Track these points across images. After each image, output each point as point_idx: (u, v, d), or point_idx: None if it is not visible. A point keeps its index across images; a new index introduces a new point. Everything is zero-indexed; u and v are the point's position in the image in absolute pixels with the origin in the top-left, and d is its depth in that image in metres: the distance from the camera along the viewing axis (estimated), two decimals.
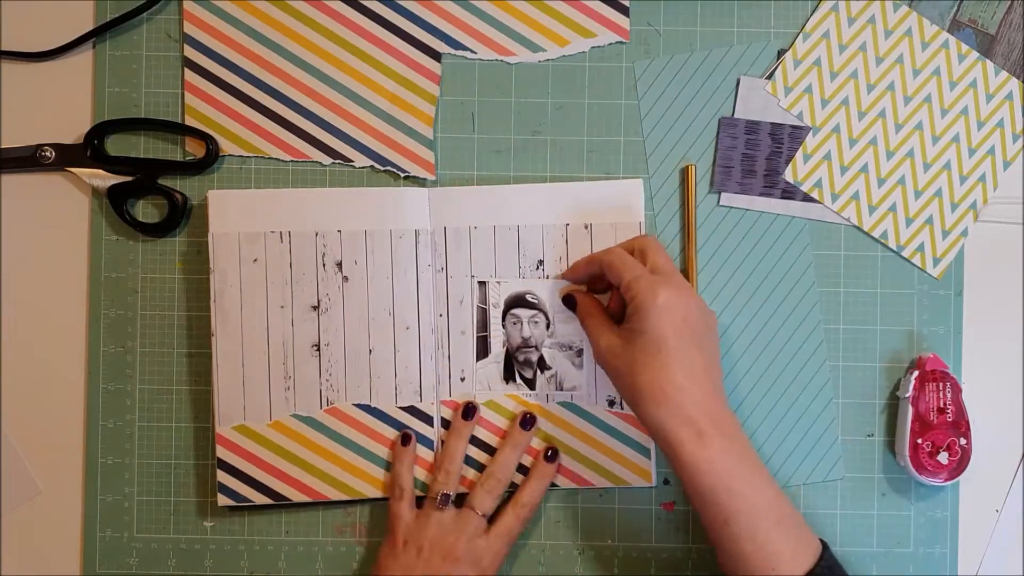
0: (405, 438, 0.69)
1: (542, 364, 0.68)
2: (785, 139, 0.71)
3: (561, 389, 0.68)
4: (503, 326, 0.67)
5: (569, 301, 0.67)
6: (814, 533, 0.60)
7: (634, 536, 0.71)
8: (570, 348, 0.67)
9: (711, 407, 0.58)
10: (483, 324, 0.66)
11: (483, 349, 0.67)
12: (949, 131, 0.71)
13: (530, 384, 0.68)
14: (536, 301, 0.66)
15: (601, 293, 0.68)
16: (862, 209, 0.71)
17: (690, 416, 0.58)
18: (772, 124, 0.71)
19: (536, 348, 0.67)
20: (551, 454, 0.69)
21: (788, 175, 0.71)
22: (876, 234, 0.71)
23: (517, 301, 0.66)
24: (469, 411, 0.69)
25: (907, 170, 0.71)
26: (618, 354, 0.61)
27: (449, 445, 0.69)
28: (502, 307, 0.66)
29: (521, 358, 0.68)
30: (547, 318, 0.67)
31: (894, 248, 0.71)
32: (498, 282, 0.65)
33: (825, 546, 0.59)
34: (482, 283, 0.65)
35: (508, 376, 0.68)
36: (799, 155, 0.70)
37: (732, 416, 0.60)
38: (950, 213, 0.71)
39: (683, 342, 0.59)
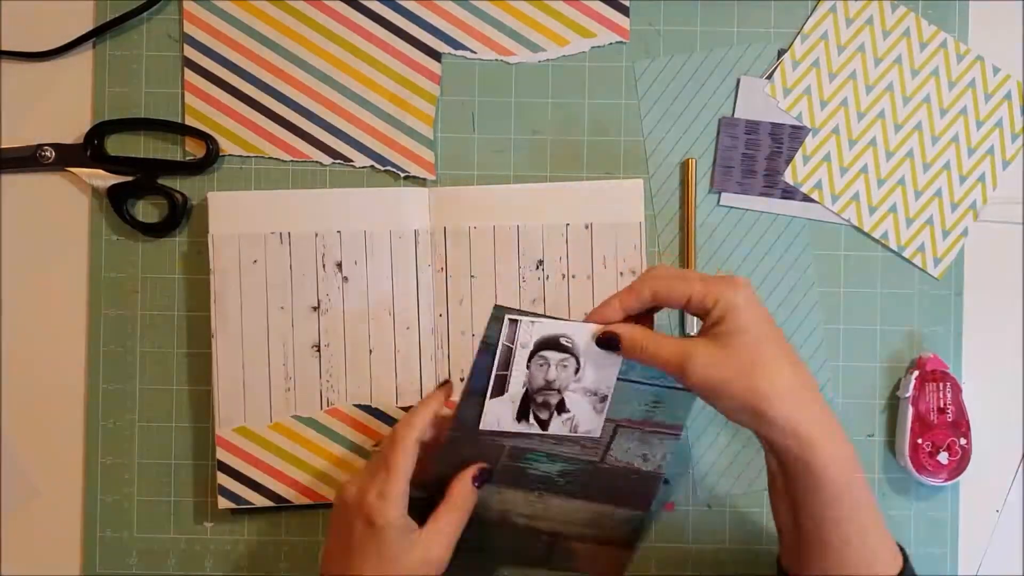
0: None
1: (561, 407, 0.62)
2: (785, 139, 0.71)
3: (576, 432, 0.63)
4: (527, 366, 0.61)
5: (611, 342, 0.60)
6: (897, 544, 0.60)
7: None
8: (595, 394, 0.62)
9: (820, 401, 0.56)
10: (505, 363, 0.61)
11: (500, 388, 0.61)
12: (948, 131, 0.71)
13: (543, 425, 0.63)
14: (570, 345, 0.60)
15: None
16: (862, 210, 0.71)
17: (820, 411, 0.56)
18: (772, 124, 0.71)
19: (559, 392, 0.62)
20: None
21: (788, 177, 0.71)
22: (876, 235, 0.71)
23: (549, 344, 0.61)
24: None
25: (907, 170, 0.71)
26: (721, 363, 0.55)
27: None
28: (531, 348, 0.60)
29: (540, 399, 0.62)
30: (578, 363, 0.61)
31: (895, 248, 0.71)
32: (532, 322, 0.61)
33: (903, 549, 0.59)
34: (513, 321, 0.61)
35: (521, 416, 0.62)
36: (799, 157, 0.71)
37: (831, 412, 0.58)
38: (950, 213, 0.71)
39: (780, 334, 0.56)
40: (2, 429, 0.71)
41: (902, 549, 0.58)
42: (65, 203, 0.72)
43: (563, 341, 0.60)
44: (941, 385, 0.68)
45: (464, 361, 0.70)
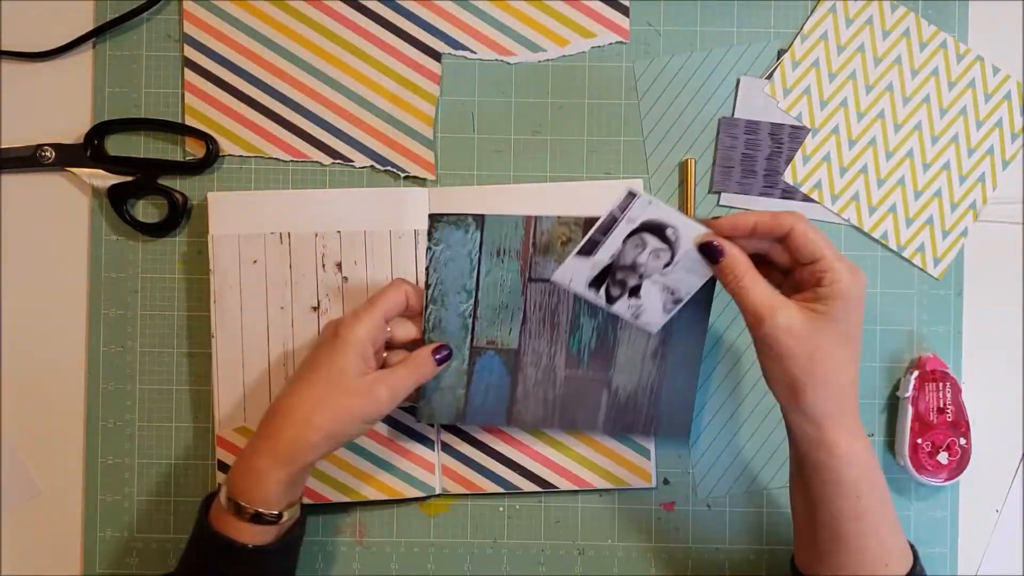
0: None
1: (635, 291, 0.62)
2: (785, 139, 0.71)
3: (636, 320, 0.64)
4: (623, 242, 0.60)
5: (714, 252, 0.58)
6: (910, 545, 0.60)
7: (634, 536, 0.71)
8: (672, 293, 0.62)
9: (857, 400, 0.58)
10: (605, 229, 0.60)
11: (589, 250, 0.61)
12: (948, 131, 0.71)
13: (610, 301, 0.63)
14: (673, 238, 0.59)
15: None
16: (862, 210, 0.71)
17: (853, 408, 0.57)
18: (772, 124, 0.71)
19: (640, 276, 0.62)
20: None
21: (788, 177, 0.71)
22: (876, 235, 0.71)
23: (653, 228, 0.60)
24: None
25: (907, 170, 0.71)
26: (800, 337, 0.55)
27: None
28: (635, 226, 0.59)
29: (619, 276, 0.62)
30: (672, 257, 0.60)
31: (894, 248, 0.71)
32: (649, 201, 0.59)
33: (913, 547, 0.60)
34: (632, 194, 0.59)
35: (594, 284, 0.63)
36: (798, 157, 0.71)
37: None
38: (950, 213, 0.71)
39: (859, 335, 0.57)
40: (2, 429, 0.71)
41: (912, 547, 0.59)
42: (65, 203, 0.72)
43: (668, 232, 0.60)
44: (941, 385, 0.68)
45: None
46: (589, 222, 0.61)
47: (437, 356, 0.63)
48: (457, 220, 0.64)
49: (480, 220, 0.64)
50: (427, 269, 0.65)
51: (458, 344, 0.66)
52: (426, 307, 0.65)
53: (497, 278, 0.65)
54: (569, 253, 0.62)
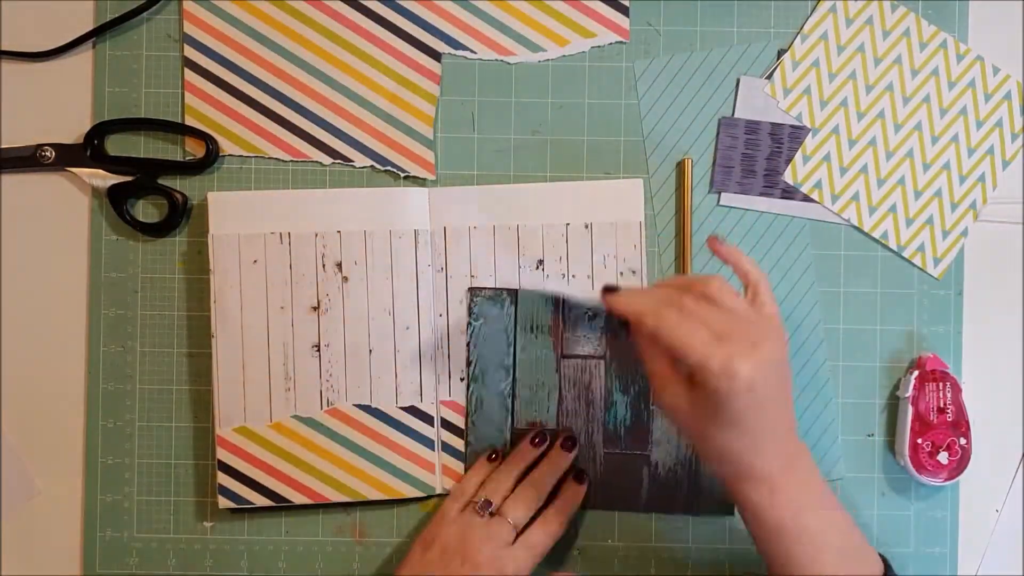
0: (493, 453, 0.69)
1: None
2: (785, 139, 0.71)
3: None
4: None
5: (618, 324, 0.60)
6: (876, 553, 0.59)
7: (634, 536, 0.71)
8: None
9: (783, 452, 0.55)
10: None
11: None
12: (948, 131, 0.71)
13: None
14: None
15: None
16: (862, 210, 0.71)
17: (762, 475, 0.54)
18: (772, 124, 0.71)
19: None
20: (580, 476, 0.68)
21: (788, 177, 0.71)
22: (876, 235, 0.71)
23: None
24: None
25: (907, 170, 0.71)
26: (685, 413, 0.55)
27: (512, 461, 0.68)
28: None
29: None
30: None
31: (894, 248, 0.71)
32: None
33: (887, 566, 0.58)
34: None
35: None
36: (798, 157, 0.71)
37: (801, 448, 0.57)
38: (950, 213, 0.71)
39: (760, 410, 0.53)
40: (2, 429, 0.71)
41: (885, 562, 0.59)
42: (65, 203, 0.72)
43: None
44: (941, 385, 0.68)
45: (464, 361, 0.70)
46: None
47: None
48: (493, 295, 0.68)
49: (513, 295, 0.68)
50: (467, 345, 0.68)
51: (499, 427, 0.68)
52: (468, 385, 0.68)
53: (532, 355, 0.68)
54: (597, 327, 0.67)
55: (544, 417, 0.68)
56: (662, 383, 0.56)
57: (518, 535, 0.65)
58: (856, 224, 0.71)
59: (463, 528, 0.65)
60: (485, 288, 0.67)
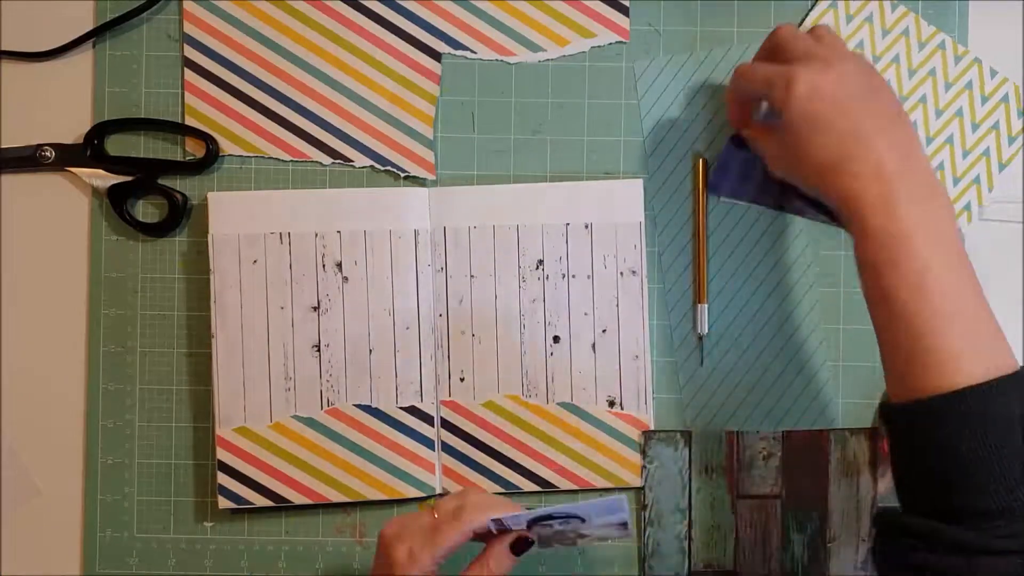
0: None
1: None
2: None
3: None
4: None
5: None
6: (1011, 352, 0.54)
7: (634, 535, 0.71)
8: None
9: (895, 167, 0.54)
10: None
11: None
12: (943, 132, 0.71)
13: None
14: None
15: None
16: None
17: (867, 168, 0.54)
18: None
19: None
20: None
21: None
22: None
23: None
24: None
25: None
26: (779, 156, 0.62)
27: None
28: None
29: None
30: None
31: None
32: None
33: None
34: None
35: None
36: None
37: (927, 172, 0.55)
38: None
39: (841, 113, 0.56)
40: (2, 429, 0.71)
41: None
42: (65, 203, 0.71)
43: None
44: None
45: (464, 361, 0.70)
46: (788, 436, 0.67)
47: (516, 551, 0.57)
48: (667, 437, 0.68)
49: (687, 436, 0.68)
50: (643, 489, 0.68)
51: (676, 569, 0.68)
52: (644, 529, 0.68)
53: (707, 496, 0.67)
54: (772, 467, 0.67)
55: (721, 559, 0.68)
56: (759, 142, 0.64)
57: None
58: None
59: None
60: (659, 431, 0.68)
